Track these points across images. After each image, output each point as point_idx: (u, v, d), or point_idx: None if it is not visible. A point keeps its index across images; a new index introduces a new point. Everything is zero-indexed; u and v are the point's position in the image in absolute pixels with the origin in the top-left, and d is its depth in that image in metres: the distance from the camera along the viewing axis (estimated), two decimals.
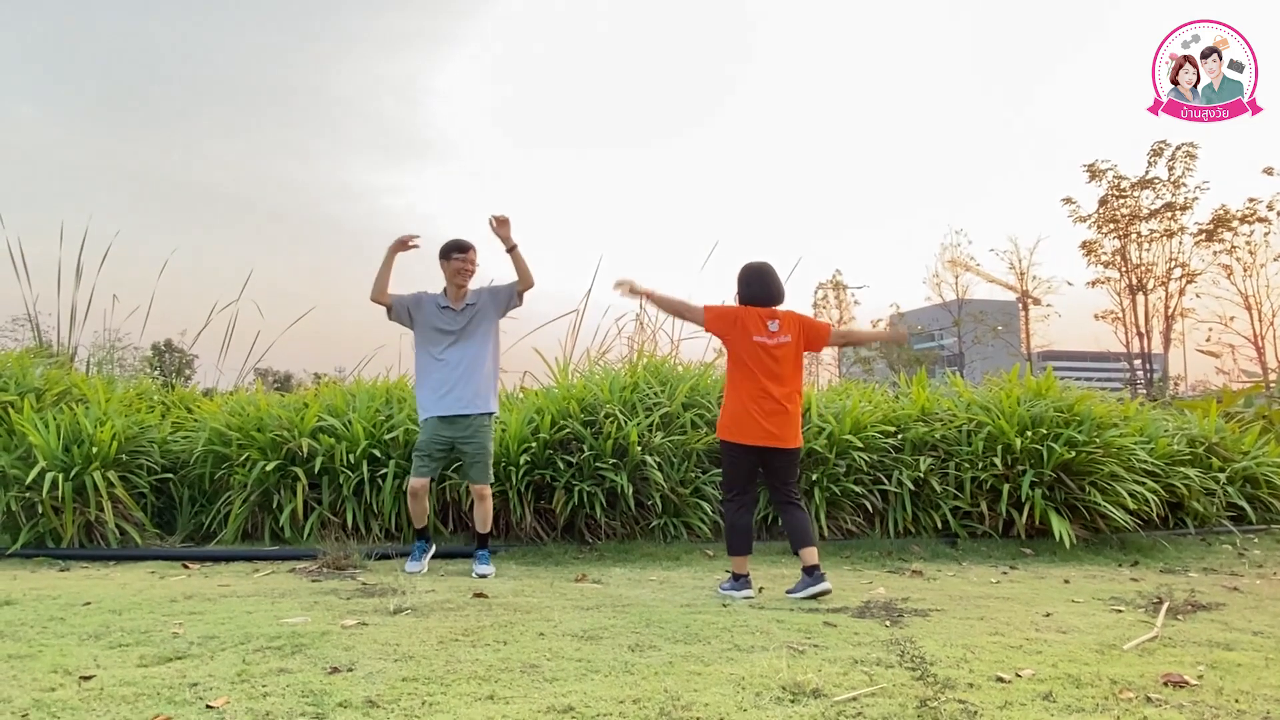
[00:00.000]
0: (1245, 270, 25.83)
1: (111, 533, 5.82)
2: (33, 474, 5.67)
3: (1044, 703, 2.50)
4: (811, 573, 4.40)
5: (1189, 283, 27.10)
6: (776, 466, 4.54)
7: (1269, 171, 24.84)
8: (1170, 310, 27.51)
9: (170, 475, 6.36)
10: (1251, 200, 25.77)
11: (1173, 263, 27.34)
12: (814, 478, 6.32)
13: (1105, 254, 28.31)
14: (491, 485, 5.32)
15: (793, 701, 2.47)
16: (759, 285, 4.59)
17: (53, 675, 2.67)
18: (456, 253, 5.20)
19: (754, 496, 4.68)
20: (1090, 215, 28.23)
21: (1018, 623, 3.73)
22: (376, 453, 6.14)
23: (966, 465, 6.44)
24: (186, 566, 5.36)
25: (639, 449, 6.08)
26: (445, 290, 5.27)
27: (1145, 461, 6.61)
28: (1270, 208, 25.36)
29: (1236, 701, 2.55)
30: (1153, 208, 27.24)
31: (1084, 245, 28.60)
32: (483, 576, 4.96)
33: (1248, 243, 25.83)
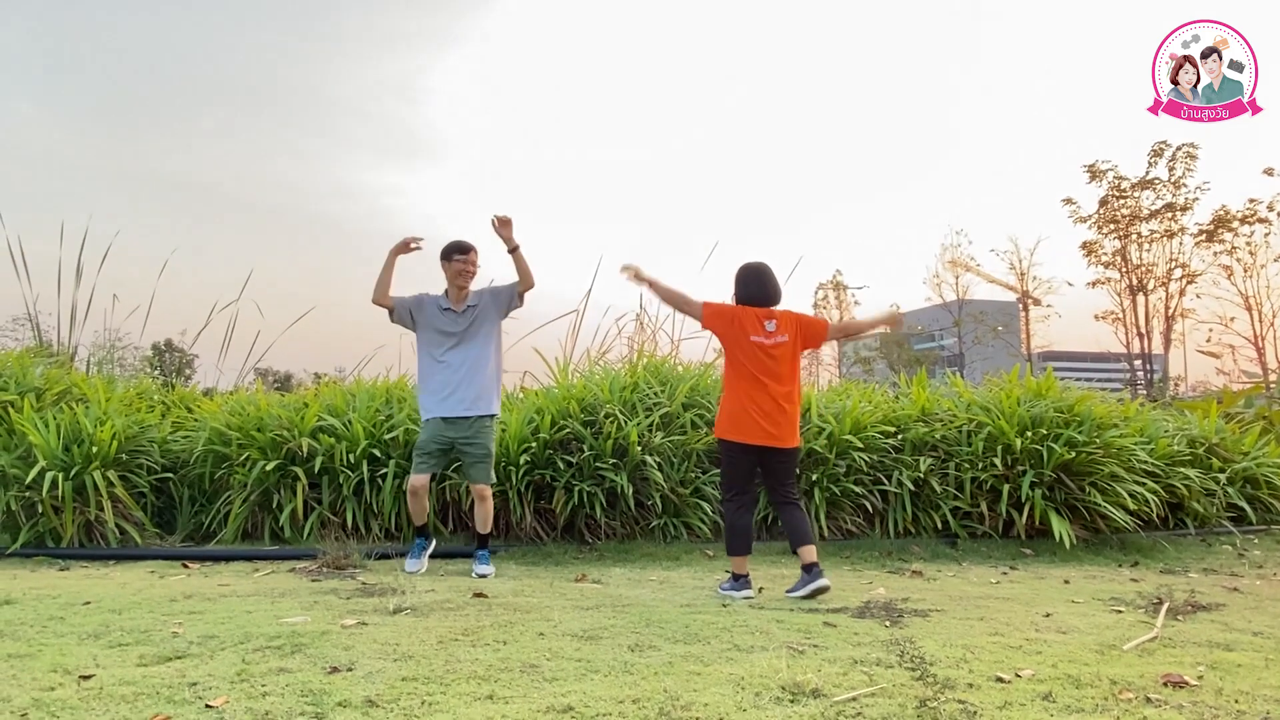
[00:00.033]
0: (1245, 271, 25.86)
1: (111, 532, 5.83)
2: (33, 473, 5.67)
3: (1044, 703, 2.50)
4: (810, 570, 4.40)
5: (1189, 283, 27.13)
6: (775, 467, 4.54)
7: (1269, 172, 24.87)
8: (1170, 311, 27.53)
9: (170, 475, 6.37)
10: (1252, 201, 25.81)
11: (1173, 263, 27.37)
12: (814, 478, 6.32)
13: (1105, 254, 28.33)
14: (492, 485, 5.32)
15: (792, 701, 2.47)
16: (756, 286, 4.60)
17: (52, 674, 2.67)
18: (457, 254, 5.19)
19: (753, 497, 4.68)
20: (1091, 216, 28.26)
21: (1018, 623, 3.73)
22: (376, 452, 6.14)
23: (966, 465, 6.44)
24: (186, 566, 5.36)
25: (639, 449, 6.08)
26: (446, 291, 5.27)
27: (1145, 462, 6.61)
28: (1271, 208, 25.39)
29: (1236, 702, 2.55)
30: (1153, 208, 27.27)
31: (1084, 246, 28.64)
32: (482, 576, 4.96)
33: (1248, 243, 25.86)
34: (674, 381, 6.95)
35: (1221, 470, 7.24)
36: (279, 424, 6.26)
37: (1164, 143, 26.86)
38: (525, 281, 5.23)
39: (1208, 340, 26.72)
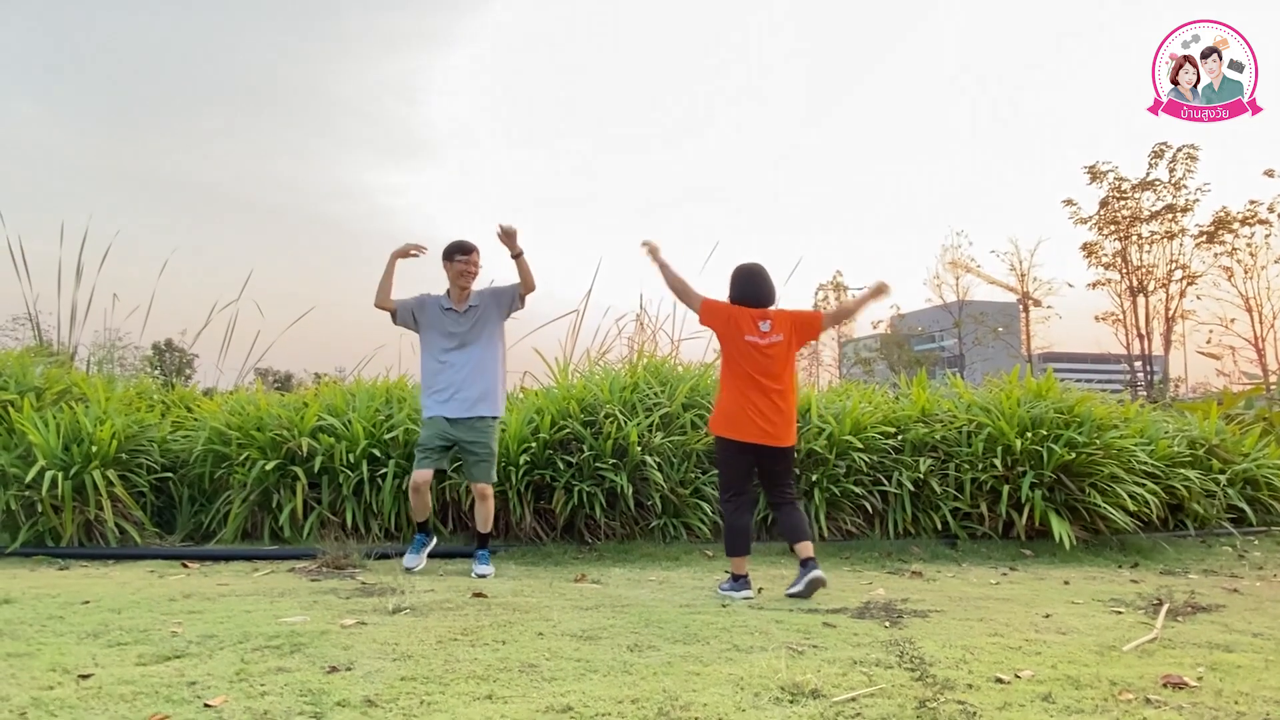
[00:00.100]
0: (1246, 272, 25.86)
1: (111, 532, 5.82)
2: (32, 472, 5.67)
3: (1043, 704, 2.50)
4: (806, 564, 4.41)
5: (1190, 285, 27.13)
6: (772, 467, 4.56)
7: (1270, 173, 24.86)
8: (1171, 312, 27.53)
9: (170, 474, 6.36)
10: (1252, 202, 25.81)
11: (1173, 264, 27.37)
12: (814, 478, 6.32)
13: (1106, 256, 28.34)
14: (493, 485, 5.32)
15: (791, 702, 2.47)
16: (750, 286, 4.62)
17: (51, 674, 2.67)
18: (459, 254, 5.20)
19: (752, 497, 4.69)
20: (1091, 217, 28.26)
21: (1017, 624, 3.73)
22: (376, 452, 6.14)
23: (966, 466, 6.44)
24: (186, 566, 5.36)
25: (639, 449, 6.08)
26: (448, 292, 5.27)
27: (1145, 463, 6.61)
28: (1271, 210, 25.38)
29: (1236, 703, 2.55)
30: (1153, 209, 27.27)
31: (1085, 247, 28.64)
32: (482, 576, 4.96)
33: (1248, 245, 25.86)
34: (674, 382, 6.95)
35: (1221, 471, 7.24)
36: (279, 424, 6.26)
37: (1164, 144, 26.88)
38: (527, 284, 5.24)
39: (1208, 341, 26.74)
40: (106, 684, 2.54)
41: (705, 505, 6.18)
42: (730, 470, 4.55)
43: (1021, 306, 34.40)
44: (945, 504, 6.39)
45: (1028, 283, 32.85)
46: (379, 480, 6.04)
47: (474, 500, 5.35)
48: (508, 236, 5.12)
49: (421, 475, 5.12)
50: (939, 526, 6.39)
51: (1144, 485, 6.38)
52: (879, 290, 4.81)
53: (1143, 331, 28.09)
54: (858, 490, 6.34)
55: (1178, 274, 27.30)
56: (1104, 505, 6.15)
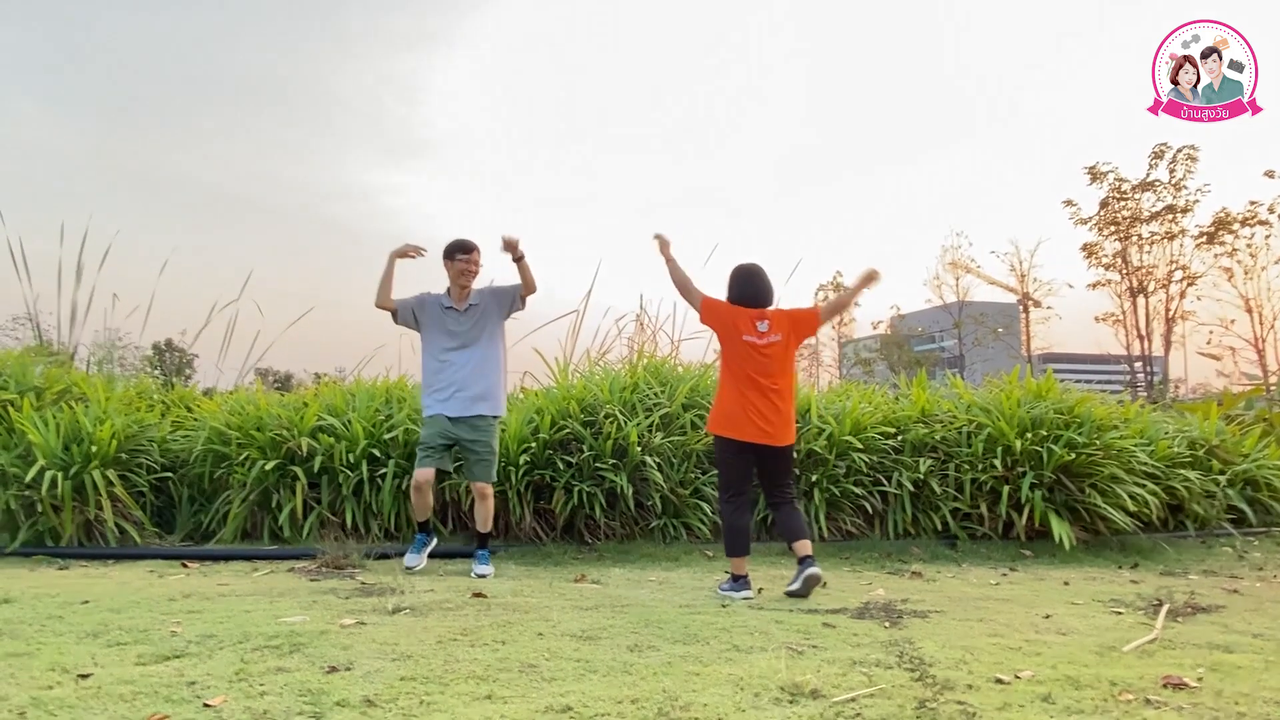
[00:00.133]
0: (1246, 273, 25.87)
1: (110, 531, 5.82)
2: (32, 472, 5.67)
3: (1043, 704, 2.50)
4: (803, 561, 4.42)
5: (1190, 285, 27.13)
6: (771, 467, 4.56)
7: (1270, 174, 24.87)
8: (1171, 313, 27.54)
9: (170, 474, 6.36)
10: (1252, 203, 25.82)
11: (1174, 265, 27.37)
12: (814, 479, 6.32)
13: (1106, 256, 28.35)
14: (493, 485, 5.32)
15: (791, 702, 2.46)
16: (748, 287, 4.64)
17: (51, 673, 2.66)
18: (460, 253, 5.20)
19: (752, 497, 4.70)
20: (1091, 218, 28.27)
21: (1017, 624, 3.73)
22: (376, 452, 6.14)
23: (966, 467, 6.44)
24: (185, 565, 5.36)
25: (639, 449, 6.07)
26: (448, 290, 5.27)
27: (1145, 464, 6.61)
28: (1271, 210, 25.39)
29: (1236, 704, 2.54)
30: (1154, 210, 27.27)
31: (1085, 248, 28.65)
32: (482, 576, 4.95)
33: (1248, 245, 25.87)
34: (674, 382, 6.95)
35: (1221, 472, 7.24)
36: (278, 424, 6.26)
37: (1164, 145, 26.89)
38: (528, 286, 5.24)
39: (1208, 342, 26.76)
40: (106, 684, 2.53)
41: (705, 505, 6.18)
42: (729, 470, 4.55)
43: (1021, 307, 34.39)
44: (945, 504, 6.39)
45: (1028, 283, 32.87)
46: (379, 480, 6.04)
47: (474, 500, 5.35)
48: (510, 247, 5.13)
49: (423, 474, 5.11)
50: (939, 527, 6.39)
51: (1144, 486, 6.38)
52: (869, 278, 4.84)
53: (1143, 332, 28.10)
54: (858, 491, 6.34)
55: (1178, 275, 27.31)
56: (1104, 506, 6.15)
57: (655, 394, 6.72)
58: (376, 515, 6.02)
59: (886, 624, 3.68)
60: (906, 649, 3.16)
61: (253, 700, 2.40)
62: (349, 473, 6.04)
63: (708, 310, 4.66)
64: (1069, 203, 28.72)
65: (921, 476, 6.39)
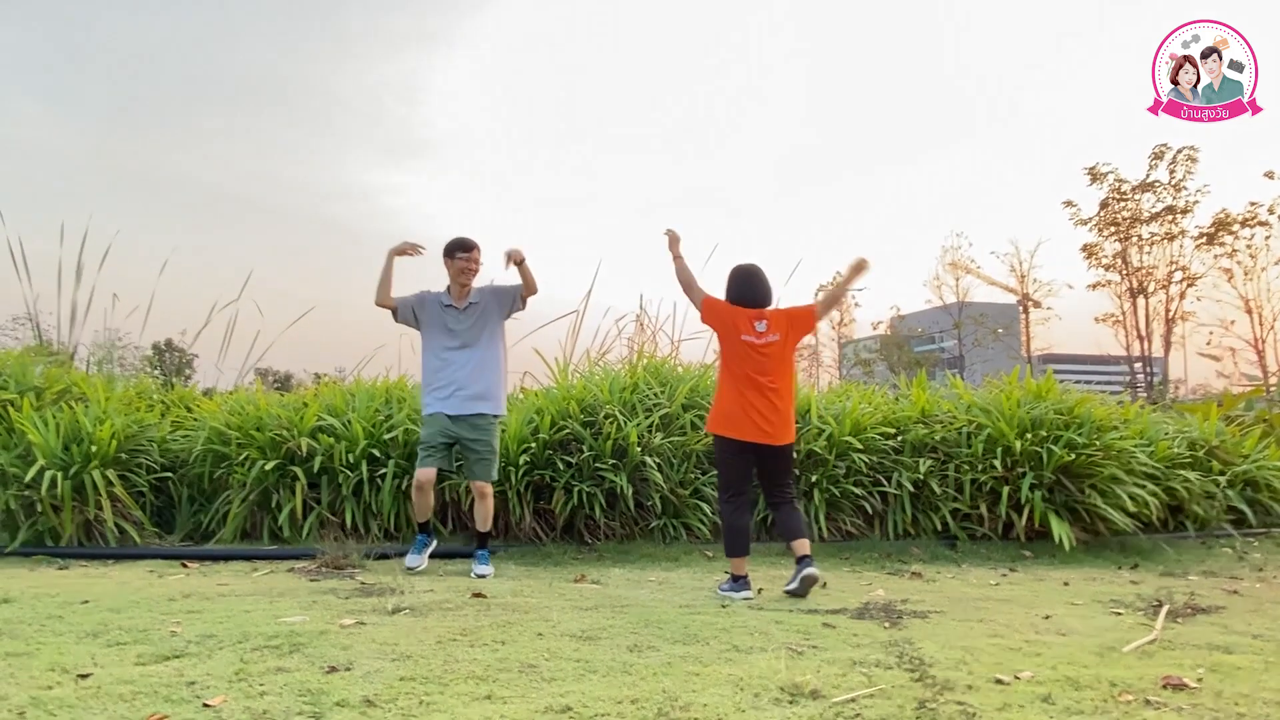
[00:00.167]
0: (1246, 274, 25.91)
1: (110, 531, 5.82)
2: (32, 472, 5.67)
3: (1043, 705, 2.50)
4: (801, 561, 4.44)
5: (1189, 286, 27.16)
6: (771, 466, 4.57)
7: (1270, 175, 24.89)
8: (1171, 313, 27.56)
9: (169, 474, 6.36)
10: (1252, 204, 25.84)
11: (1173, 266, 27.40)
12: (814, 479, 6.32)
13: (1106, 257, 28.37)
14: (493, 484, 5.32)
15: (791, 703, 2.46)
16: (747, 288, 4.65)
17: (50, 673, 2.66)
18: (460, 251, 5.21)
19: (751, 497, 4.70)
20: (1091, 218, 28.29)
21: (1017, 625, 3.73)
22: (376, 452, 6.14)
23: (966, 467, 6.44)
24: (185, 565, 5.36)
25: (638, 450, 6.07)
26: (448, 289, 5.27)
27: (1145, 464, 6.61)
28: (1271, 211, 25.41)
29: (1236, 705, 2.54)
30: (1154, 211, 27.29)
31: (1085, 248, 28.67)
32: (481, 576, 4.95)
33: (1248, 246, 25.91)
34: (674, 382, 6.95)
35: (1221, 473, 7.24)
36: (278, 424, 6.26)
37: (1164, 145, 26.93)
38: (530, 288, 5.25)
39: (1208, 343, 26.81)
40: (105, 684, 2.53)
41: (705, 506, 6.18)
42: (729, 470, 4.56)
43: (1021, 308, 34.41)
44: (945, 505, 6.39)
45: (1027, 284, 32.88)
46: (378, 480, 6.04)
47: (473, 499, 5.35)
48: (513, 260, 5.15)
49: (425, 474, 5.11)
50: (939, 527, 6.39)
51: (1144, 486, 6.38)
52: (859, 267, 4.86)
53: (1143, 333, 28.13)
54: (857, 491, 6.34)
55: (1178, 275, 27.34)
56: (1104, 506, 6.15)
57: (655, 394, 6.72)
58: (376, 515, 6.02)
59: (886, 624, 3.68)
60: (906, 649, 3.16)
61: (252, 700, 2.40)
62: (349, 473, 6.04)
63: (708, 309, 4.69)
64: (1069, 203, 28.77)
65: (921, 477, 6.39)
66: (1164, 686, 2.70)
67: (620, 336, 8.64)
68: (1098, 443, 6.35)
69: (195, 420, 6.82)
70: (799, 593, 4.39)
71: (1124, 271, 28.11)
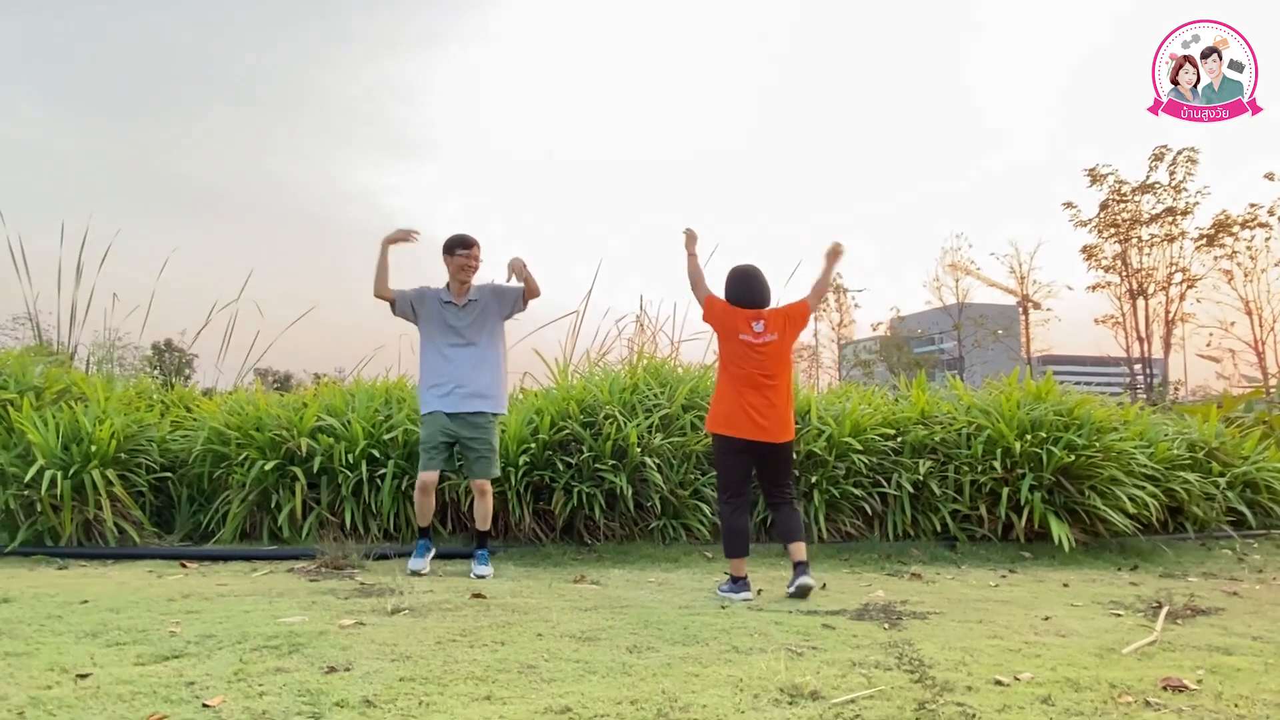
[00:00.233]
0: (1246, 275, 25.91)
1: (110, 531, 5.82)
2: (31, 472, 5.67)
3: (1043, 706, 2.49)
4: (796, 568, 4.47)
5: (1189, 288, 27.15)
6: (769, 465, 4.58)
7: (1270, 177, 24.89)
8: (1171, 315, 27.55)
9: (169, 474, 6.36)
10: (1252, 205, 25.84)
11: (1173, 267, 27.38)
12: (813, 480, 6.32)
13: (1106, 258, 28.35)
14: (493, 483, 5.32)
15: (790, 703, 2.46)
16: (745, 288, 4.68)
17: (49, 673, 2.66)
18: (460, 248, 5.21)
19: (751, 498, 4.71)
20: (1091, 220, 28.27)
21: (1017, 626, 3.72)
22: (375, 453, 6.13)
23: (966, 468, 6.44)
24: (184, 565, 5.36)
25: (638, 450, 6.07)
26: (448, 285, 5.27)
27: (1145, 466, 6.61)
28: (1271, 213, 25.41)
29: (1235, 706, 2.54)
30: (1154, 212, 27.28)
31: (1084, 250, 28.66)
32: (481, 577, 4.95)
33: (1248, 248, 25.90)
34: (674, 383, 6.95)
35: (1221, 474, 7.24)
36: (278, 424, 6.26)
37: (1164, 147, 26.90)
38: (533, 291, 5.26)
39: (1208, 344, 26.81)
40: (105, 684, 2.53)
41: (704, 507, 6.18)
42: (728, 470, 4.57)
43: (1021, 309, 34.38)
44: (944, 506, 6.39)
45: (1027, 285, 32.86)
46: (378, 481, 6.04)
47: (473, 499, 5.35)
48: (516, 271, 5.15)
49: (429, 477, 5.11)
50: (938, 528, 6.39)
51: (1143, 488, 6.38)
52: (835, 253, 4.94)
53: (1142, 334, 28.11)
54: (857, 492, 6.34)
55: (1178, 277, 27.32)
56: (1103, 508, 6.15)
57: (655, 395, 6.72)
58: (376, 516, 6.02)
59: (886, 625, 3.68)
60: (906, 650, 3.15)
61: (251, 700, 2.39)
62: (348, 473, 6.03)
63: (708, 309, 4.73)
64: (1069, 204, 28.76)
65: (921, 478, 6.39)
66: (1164, 688, 2.70)
67: (620, 337, 8.65)
68: (1097, 444, 6.35)
69: (195, 420, 6.82)
70: (798, 595, 4.39)
71: (1124, 273, 28.10)
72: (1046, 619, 3.92)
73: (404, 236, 5.20)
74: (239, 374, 9.20)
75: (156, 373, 10.53)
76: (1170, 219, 26.97)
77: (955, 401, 7.17)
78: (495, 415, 5.22)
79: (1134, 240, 27.67)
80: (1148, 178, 27.24)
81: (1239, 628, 3.82)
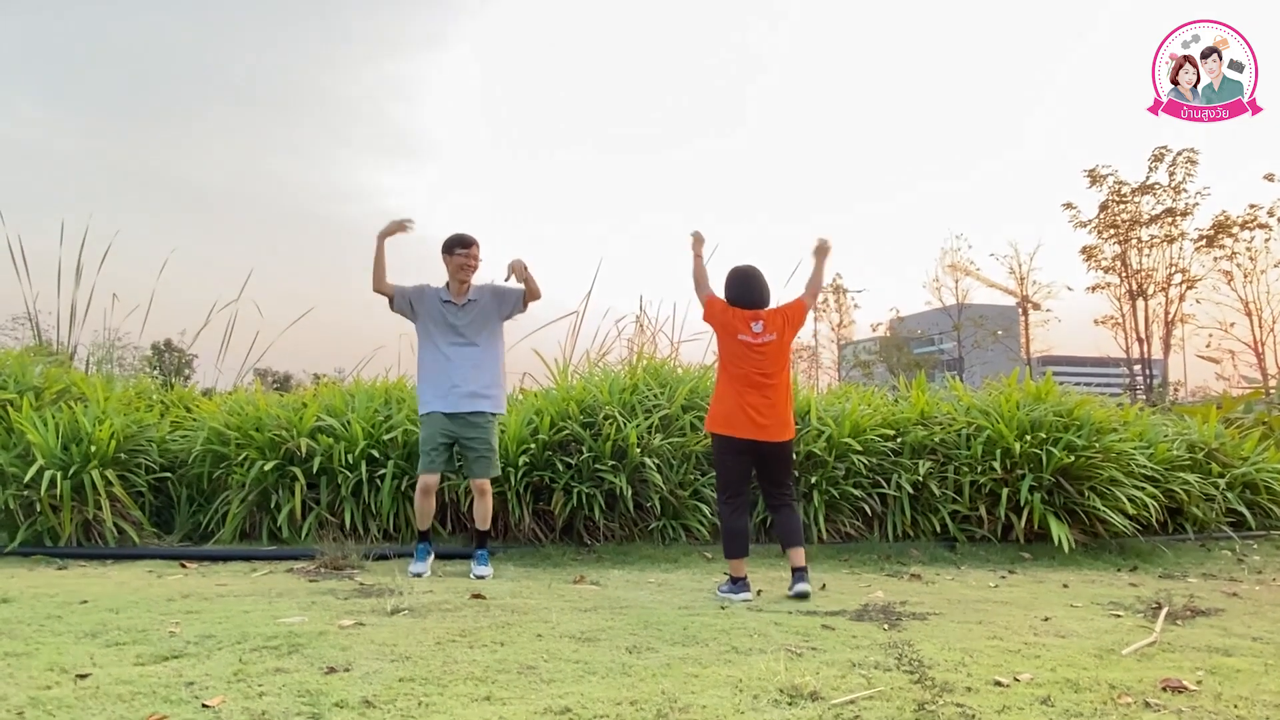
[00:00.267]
0: (1245, 276, 25.91)
1: (109, 531, 5.82)
2: (31, 472, 5.67)
3: (1042, 707, 2.49)
4: (795, 573, 4.48)
5: (1189, 288, 27.15)
6: (769, 465, 4.59)
7: (1269, 178, 24.90)
8: (1170, 316, 27.55)
9: (168, 474, 6.36)
10: (1252, 206, 25.84)
11: (1173, 268, 27.38)
12: (813, 481, 6.32)
13: (1105, 259, 28.35)
14: (492, 483, 5.31)
15: (790, 704, 2.46)
16: (744, 289, 4.70)
17: (49, 673, 2.66)
18: (459, 248, 5.20)
19: (750, 499, 4.72)
20: (1091, 220, 28.28)
21: (1016, 627, 3.72)
22: (375, 453, 6.13)
23: (965, 469, 6.44)
24: (184, 566, 5.36)
25: (638, 451, 6.07)
26: (448, 285, 5.27)
27: (1144, 466, 6.61)
28: (1271, 214, 25.41)
29: (1235, 707, 2.54)
30: (1153, 213, 27.28)
31: (1084, 250, 28.66)
32: (480, 578, 4.95)
33: (1248, 248, 25.90)
34: (673, 384, 6.95)
35: (1221, 475, 7.23)
36: (277, 424, 6.26)
37: (1164, 148, 26.90)
38: (533, 294, 5.26)
39: (1207, 345, 26.79)
40: (104, 684, 2.53)
41: (704, 507, 6.18)
42: (728, 471, 4.57)
43: (1021, 310, 34.38)
44: (944, 506, 6.38)
45: (1027, 286, 32.86)
46: (377, 481, 6.04)
47: (472, 500, 5.34)
48: (516, 272, 5.15)
49: (430, 479, 5.11)
50: (938, 529, 6.38)
51: (1143, 489, 6.37)
52: (822, 250, 4.99)
53: (1142, 335, 28.11)
54: (857, 493, 6.33)
55: (1177, 278, 27.32)
56: (1103, 508, 6.14)
57: (655, 395, 6.72)
58: (375, 516, 6.02)
59: (885, 626, 3.68)
60: (905, 651, 3.15)
61: (251, 701, 2.39)
62: (348, 473, 6.03)
63: (708, 308, 4.75)
64: (1068, 205, 28.76)
65: (920, 479, 6.39)
66: (1163, 689, 2.70)
67: (620, 338, 8.65)
68: (1097, 445, 6.36)
69: (194, 420, 6.82)
70: (797, 599, 4.40)
71: (1123, 274, 28.10)
72: (1046, 620, 3.92)
73: (399, 228, 5.18)
74: (239, 374, 9.21)
75: (156, 373, 10.54)
76: (1170, 220, 26.97)
77: (955, 402, 7.17)
78: (494, 415, 5.22)
79: (1134, 241, 27.67)
80: (1147, 178, 27.25)
81: (1238, 629, 3.82)
